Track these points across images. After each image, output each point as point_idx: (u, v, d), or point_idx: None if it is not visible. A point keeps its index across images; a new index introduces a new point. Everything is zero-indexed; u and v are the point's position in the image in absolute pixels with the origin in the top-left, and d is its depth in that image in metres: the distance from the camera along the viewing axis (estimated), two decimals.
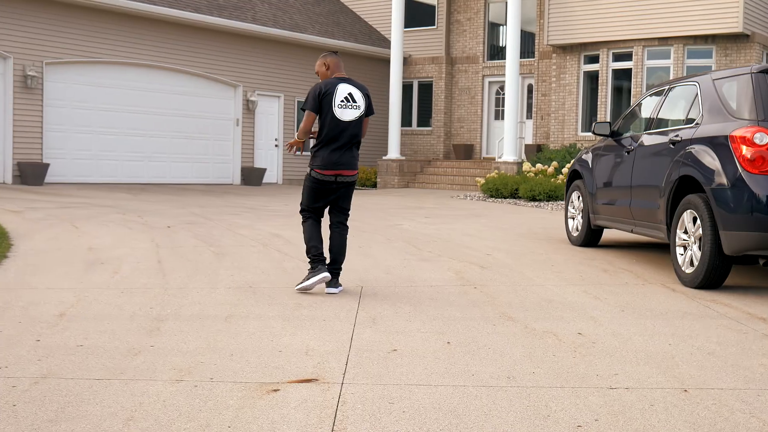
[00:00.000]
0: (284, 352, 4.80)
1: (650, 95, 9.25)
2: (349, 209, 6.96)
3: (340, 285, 6.80)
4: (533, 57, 24.25)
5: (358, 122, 6.78)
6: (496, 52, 25.11)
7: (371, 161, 25.35)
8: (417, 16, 26.26)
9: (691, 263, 7.32)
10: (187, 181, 21.02)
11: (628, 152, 8.93)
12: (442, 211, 15.16)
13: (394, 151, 23.53)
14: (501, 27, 25.10)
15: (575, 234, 10.35)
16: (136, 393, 3.95)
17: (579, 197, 10.32)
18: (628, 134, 9.31)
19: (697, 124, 7.66)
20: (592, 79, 22.10)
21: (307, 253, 6.71)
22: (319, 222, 6.93)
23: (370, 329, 5.42)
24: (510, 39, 21.17)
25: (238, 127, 22.05)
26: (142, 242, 9.41)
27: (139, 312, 5.79)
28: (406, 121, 26.45)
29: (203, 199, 16.23)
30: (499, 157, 21.77)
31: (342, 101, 6.71)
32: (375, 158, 25.12)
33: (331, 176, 6.70)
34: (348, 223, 7.05)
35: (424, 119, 26.29)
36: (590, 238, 10.05)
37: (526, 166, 19.63)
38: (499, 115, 24.84)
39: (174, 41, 20.49)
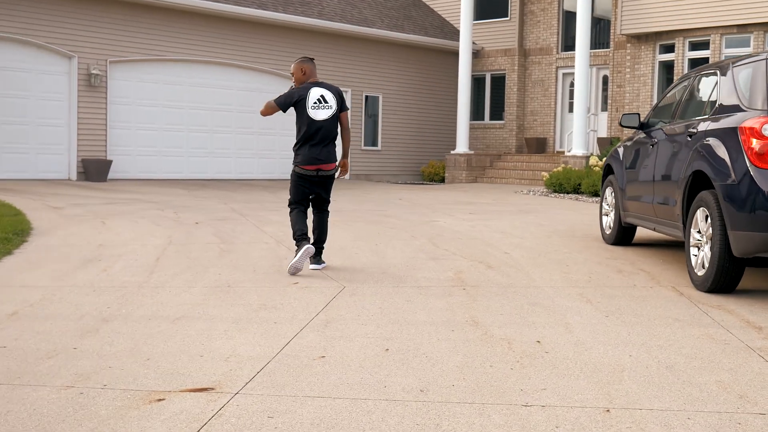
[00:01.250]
0: (205, 356, 4.59)
1: (679, 84, 8.67)
2: (328, 198, 7.66)
3: (323, 262, 7.59)
4: (608, 47, 23.43)
5: (332, 120, 7.46)
6: (571, 43, 24.31)
7: (440, 155, 25.00)
8: (490, 7, 25.74)
9: (704, 265, 6.79)
10: (252, 177, 21.14)
11: (653, 145, 8.40)
12: (493, 207, 14.73)
13: (462, 146, 23.12)
14: (576, 17, 24.31)
15: (608, 232, 9.83)
16: (14, 400, 3.80)
17: (612, 193, 9.80)
18: (657, 126, 8.75)
19: (713, 115, 7.10)
20: (668, 69, 21.18)
21: (294, 235, 7.43)
22: (305, 211, 7.62)
23: (316, 333, 5.17)
24: (580, 29, 20.47)
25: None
26: (158, 238, 9.39)
27: (93, 311, 5.69)
28: (479, 114, 26.00)
29: (255, 195, 16.23)
30: (569, 151, 21.10)
31: (315, 103, 7.39)
32: (444, 153, 24.76)
33: (313, 171, 7.44)
34: (329, 209, 7.83)
35: (497, 113, 25.77)
36: (622, 236, 9.52)
37: (593, 160, 18.94)
38: (573, 107, 24.07)
39: (239, 38, 20.61)
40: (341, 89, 7.40)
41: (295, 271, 7.18)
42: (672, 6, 20.33)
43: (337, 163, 7.57)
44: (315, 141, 7.36)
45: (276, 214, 12.35)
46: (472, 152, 23.40)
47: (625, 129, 21.75)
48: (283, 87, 21.49)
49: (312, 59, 7.63)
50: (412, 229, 10.93)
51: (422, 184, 23.15)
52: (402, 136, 24.55)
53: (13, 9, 17.09)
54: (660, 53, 21.24)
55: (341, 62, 22.80)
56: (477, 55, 25.62)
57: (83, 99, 18.12)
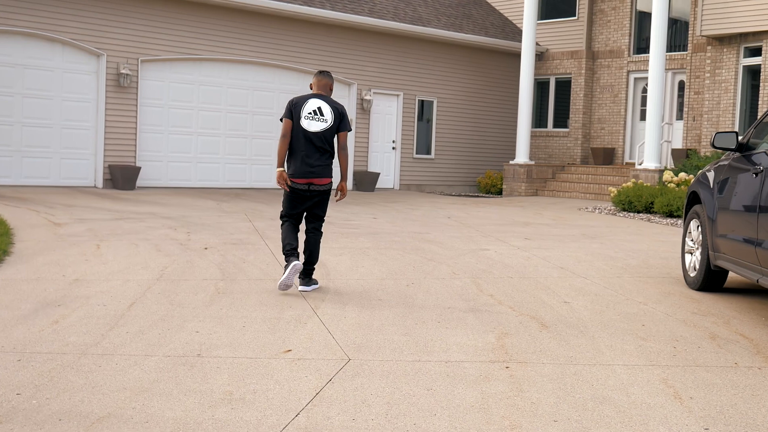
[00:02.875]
0: None
1: None
2: (323, 216, 7.30)
3: (315, 283, 7.29)
4: (686, 50, 21.39)
5: (325, 135, 7.08)
6: (644, 46, 22.37)
7: (498, 165, 23.23)
8: (556, 5, 23.89)
9: None
10: None
11: (757, 174, 6.61)
12: (554, 230, 12.98)
13: (522, 155, 21.31)
14: (650, 17, 22.31)
15: (692, 274, 8.05)
16: None
17: (698, 227, 8.01)
18: (760, 149, 6.97)
19: None
20: (753, 74, 19.11)
21: (282, 250, 7.13)
22: (297, 225, 7.27)
23: None
24: (655, 28, 18.49)
25: (351, 129, 20.45)
26: (149, 271, 7.91)
27: None
28: (541, 121, 24.18)
29: None
30: (639, 164, 19.17)
31: (309, 114, 7.07)
32: (502, 162, 22.98)
33: (304, 184, 7.08)
34: (323, 229, 7.48)
35: (561, 120, 23.89)
36: (710, 280, 7.74)
37: (667, 174, 17.01)
38: (644, 115, 22.10)
39: (281, 36, 19.17)
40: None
41: (285, 288, 6.97)
42: (760, 3, 18.27)
43: (331, 180, 7.20)
44: (306, 153, 7.05)
45: (302, 236, 10.80)
46: (533, 162, 21.58)
47: (703, 140, 19.73)
48: None
49: (322, 72, 7.34)
50: (456, 261, 9.28)
51: (477, 196, 21.42)
52: (457, 144, 22.84)
53: (37, 3, 15.90)
54: (744, 57, 19.17)
55: (393, 64, 21.20)
56: (541, 57, 23.80)
57: (112, 100, 16.85)
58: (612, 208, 17.12)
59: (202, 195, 16.48)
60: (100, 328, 5.73)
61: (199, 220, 12.30)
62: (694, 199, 8.27)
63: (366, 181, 20.34)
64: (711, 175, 7.84)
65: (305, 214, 7.25)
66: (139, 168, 16.92)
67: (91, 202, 14.01)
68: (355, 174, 20.46)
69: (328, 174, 7.12)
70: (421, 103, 22.05)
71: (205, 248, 9.50)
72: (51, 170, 16.39)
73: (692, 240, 8.17)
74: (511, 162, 21.53)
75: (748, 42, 18.95)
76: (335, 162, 17.32)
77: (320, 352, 5.28)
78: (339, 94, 20.32)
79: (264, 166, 19.21)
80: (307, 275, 7.22)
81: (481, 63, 23.16)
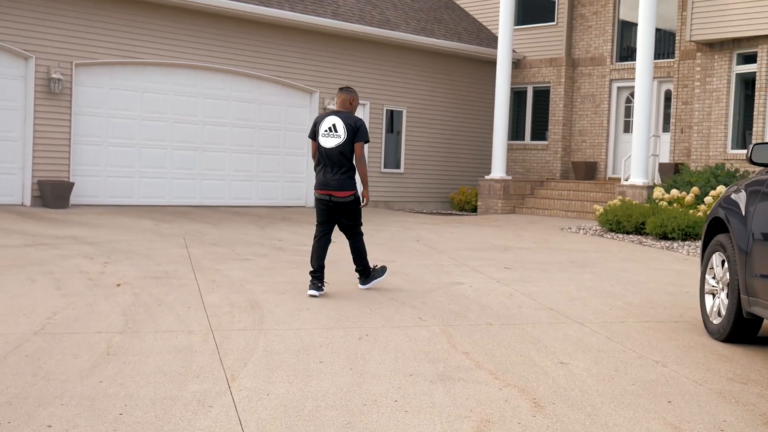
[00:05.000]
0: None
1: None
2: (354, 225, 7.69)
3: (375, 277, 7.92)
4: (673, 57, 19.95)
5: (340, 149, 7.43)
6: (628, 53, 20.91)
7: (472, 181, 21.64)
8: (534, 11, 22.40)
9: None
10: (249, 203, 17.93)
11: None
12: (537, 255, 11.37)
13: (498, 170, 19.72)
14: (634, 25, 20.87)
15: (716, 322, 6.46)
16: None
17: (723, 262, 6.41)
18: None
19: None
20: (747, 83, 17.67)
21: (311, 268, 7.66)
22: (328, 236, 7.66)
23: None
24: (642, 32, 17.01)
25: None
26: (30, 320, 6.18)
27: None
28: (518, 133, 22.63)
29: (237, 231, 12.98)
30: (626, 179, 17.65)
31: (325, 131, 7.49)
32: (476, 177, 21.38)
33: (325, 195, 7.54)
34: (362, 230, 7.84)
35: (539, 132, 22.35)
36: (741, 330, 6.18)
37: (658, 191, 15.50)
38: (628, 127, 20.62)
39: (235, 39, 17.47)
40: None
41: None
42: (755, 6, 16.85)
43: (352, 192, 7.51)
44: (325, 167, 7.51)
45: (243, 266, 9.12)
46: (510, 177, 20.00)
47: (693, 154, 18.26)
48: (287, 98, 18.37)
49: (342, 89, 7.73)
50: (423, 300, 7.63)
51: (451, 214, 19.80)
52: (429, 158, 21.22)
53: None
54: (737, 64, 17.74)
55: (358, 71, 19.56)
56: (518, 65, 22.28)
57: (42, 108, 15.04)
58: (598, 228, 15.56)
59: (143, 214, 14.71)
60: None
61: (127, 245, 10.56)
62: (717, 227, 6.68)
63: None
64: (742, 197, 6.24)
65: (338, 226, 7.73)
66: (73, 184, 15.11)
67: (7, 223, 12.21)
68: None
69: (349, 187, 7.50)
70: (390, 113, 20.43)
71: (118, 285, 7.78)
72: None
73: (715, 278, 6.58)
74: (486, 177, 19.94)
75: (741, 48, 17.52)
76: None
77: None
78: (300, 103, 18.67)
79: (215, 182, 17.47)
80: (361, 274, 7.87)
81: (453, 71, 21.59)
